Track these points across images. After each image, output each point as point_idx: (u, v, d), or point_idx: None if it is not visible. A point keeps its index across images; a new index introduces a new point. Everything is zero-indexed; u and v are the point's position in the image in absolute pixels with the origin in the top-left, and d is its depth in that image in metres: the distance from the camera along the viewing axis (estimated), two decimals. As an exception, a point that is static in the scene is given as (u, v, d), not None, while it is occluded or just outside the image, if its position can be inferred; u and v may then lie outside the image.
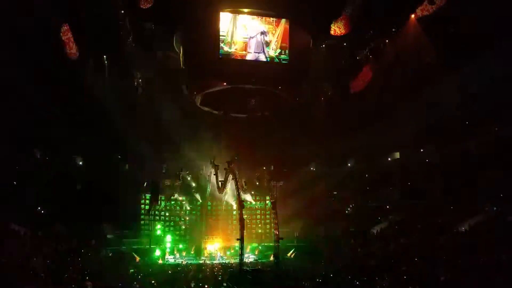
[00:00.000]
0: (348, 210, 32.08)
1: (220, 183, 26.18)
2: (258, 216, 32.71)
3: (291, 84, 23.76)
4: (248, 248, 27.72)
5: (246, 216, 22.97)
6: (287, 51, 21.90)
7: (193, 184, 31.06)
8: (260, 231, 31.47)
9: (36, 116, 23.01)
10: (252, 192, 29.71)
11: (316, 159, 32.94)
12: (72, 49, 21.27)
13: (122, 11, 20.88)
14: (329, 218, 30.74)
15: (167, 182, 30.27)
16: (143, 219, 29.80)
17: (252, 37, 21.49)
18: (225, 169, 24.67)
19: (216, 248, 28.82)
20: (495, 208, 22.22)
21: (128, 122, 25.29)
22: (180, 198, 30.45)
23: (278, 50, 21.91)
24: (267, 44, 21.73)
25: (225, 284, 15.93)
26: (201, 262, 26.38)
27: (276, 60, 21.95)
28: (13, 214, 23.09)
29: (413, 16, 21.44)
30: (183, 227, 30.65)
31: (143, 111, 25.83)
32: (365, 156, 31.93)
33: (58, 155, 28.40)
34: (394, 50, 23.09)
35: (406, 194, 29.10)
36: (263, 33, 21.61)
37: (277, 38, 21.80)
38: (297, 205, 29.76)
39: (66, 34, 20.84)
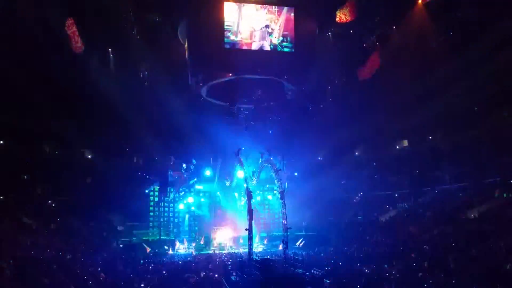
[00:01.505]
0: (356, 199, 32.03)
1: (228, 173, 26.25)
2: (267, 206, 32.92)
3: (297, 73, 23.53)
4: (257, 238, 27.92)
5: (254, 206, 23.01)
6: (288, 39, 21.75)
7: (201, 175, 31.24)
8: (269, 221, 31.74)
9: (44, 111, 23.13)
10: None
11: (324, 148, 32.80)
12: (78, 43, 21.28)
13: (126, 3, 20.79)
14: (337, 206, 30.76)
15: (175, 174, 30.49)
16: (152, 211, 30.14)
17: (257, 30, 21.43)
18: (232, 159, 24.66)
19: (225, 239, 29.05)
20: (505, 195, 21.96)
21: (135, 115, 25.33)
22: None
23: (281, 38, 21.74)
24: (270, 32, 21.62)
25: (234, 274, 16.06)
26: (210, 252, 26.65)
27: (279, 48, 21.80)
28: (25, 207, 23.49)
29: (420, 1, 21.05)
30: (192, 218, 30.96)
31: (149, 104, 25.83)
32: (372, 145, 31.75)
33: (68, 149, 28.70)
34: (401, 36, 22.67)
35: (415, 181, 28.86)
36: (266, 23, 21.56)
37: (279, 26, 21.63)
38: (305, 194, 29.80)
39: (71, 28, 20.82)
